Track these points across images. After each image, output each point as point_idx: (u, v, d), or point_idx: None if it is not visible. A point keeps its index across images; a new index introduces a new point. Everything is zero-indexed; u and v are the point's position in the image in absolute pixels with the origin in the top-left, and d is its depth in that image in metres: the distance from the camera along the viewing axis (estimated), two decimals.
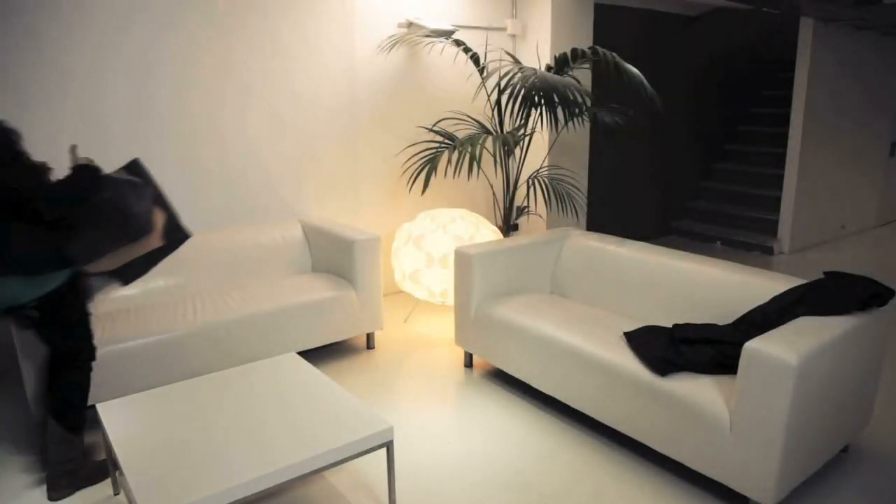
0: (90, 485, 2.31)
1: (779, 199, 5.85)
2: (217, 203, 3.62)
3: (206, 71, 3.45)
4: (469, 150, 3.70)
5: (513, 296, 3.17)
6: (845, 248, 6.02)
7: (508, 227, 4.25)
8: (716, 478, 2.16)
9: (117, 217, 2.07)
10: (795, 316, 2.27)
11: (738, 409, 2.05)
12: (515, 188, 4.16)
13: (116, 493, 2.26)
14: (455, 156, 3.81)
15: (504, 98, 3.93)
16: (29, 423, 2.75)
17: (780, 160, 5.92)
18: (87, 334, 2.27)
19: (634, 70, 3.85)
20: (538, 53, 4.54)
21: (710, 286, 2.74)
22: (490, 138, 4.04)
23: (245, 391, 2.26)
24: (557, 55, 3.94)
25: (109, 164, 3.25)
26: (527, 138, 4.07)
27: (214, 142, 3.53)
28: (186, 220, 3.53)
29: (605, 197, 5.65)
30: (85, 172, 2.07)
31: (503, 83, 3.83)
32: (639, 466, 2.45)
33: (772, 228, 5.92)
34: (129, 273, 2.18)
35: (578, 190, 4.72)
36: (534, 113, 3.87)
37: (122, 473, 1.82)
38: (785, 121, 5.80)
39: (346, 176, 4.12)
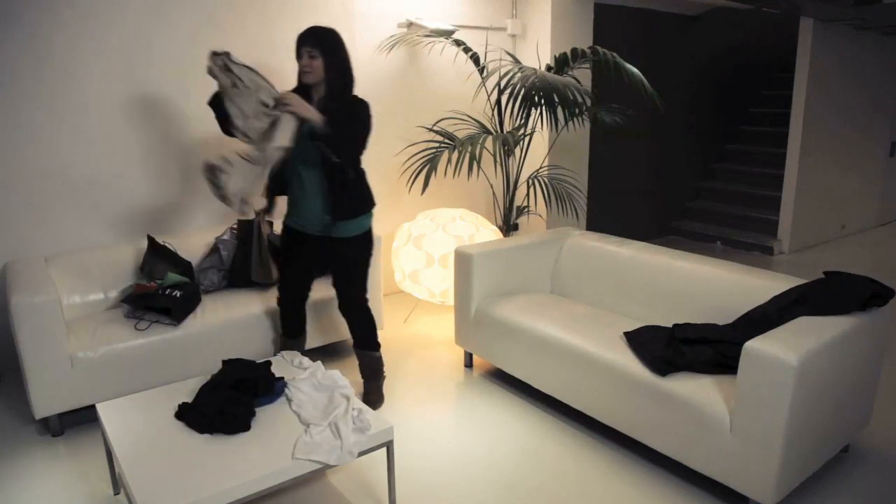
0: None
1: (779, 199, 5.85)
2: (215, 203, 3.61)
3: (204, 69, 3.44)
4: (469, 149, 3.70)
5: (513, 296, 3.17)
6: (845, 248, 6.02)
7: (508, 227, 4.25)
8: (716, 478, 2.16)
9: None
10: (795, 316, 2.27)
11: (738, 409, 2.05)
12: (515, 188, 4.16)
13: (116, 493, 2.26)
14: (455, 156, 3.80)
15: (504, 98, 3.93)
16: (29, 421, 2.75)
17: (780, 160, 5.91)
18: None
19: (634, 70, 3.84)
20: (538, 53, 4.54)
21: (710, 286, 2.74)
22: (490, 138, 4.04)
23: None
24: (557, 55, 3.94)
25: (108, 162, 3.26)
26: (527, 138, 4.07)
27: (213, 142, 3.53)
28: (193, 218, 3.54)
29: (605, 197, 5.64)
30: None
31: (503, 83, 3.83)
32: (639, 466, 2.45)
33: (772, 228, 5.92)
34: None
35: (578, 190, 4.71)
36: (534, 113, 3.87)
37: (122, 473, 1.82)
38: (785, 121, 5.79)
39: None
